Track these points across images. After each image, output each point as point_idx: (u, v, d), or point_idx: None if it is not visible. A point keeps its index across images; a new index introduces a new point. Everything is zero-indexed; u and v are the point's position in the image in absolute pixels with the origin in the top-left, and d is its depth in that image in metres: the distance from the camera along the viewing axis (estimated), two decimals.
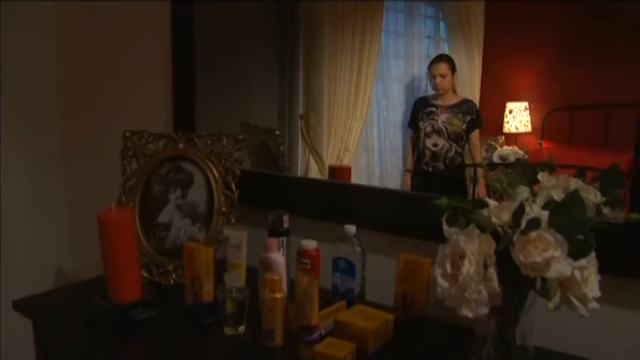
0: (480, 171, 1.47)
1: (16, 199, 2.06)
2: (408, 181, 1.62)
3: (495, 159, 1.41)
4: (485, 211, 0.94)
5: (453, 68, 1.50)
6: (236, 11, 1.74)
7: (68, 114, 2.16)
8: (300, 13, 1.71)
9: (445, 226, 0.97)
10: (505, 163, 1.39)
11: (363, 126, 1.67)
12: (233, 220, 1.48)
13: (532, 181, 1.02)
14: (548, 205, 0.93)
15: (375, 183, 1.71)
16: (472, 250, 0.89)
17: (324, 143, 1.70)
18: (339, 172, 1.70)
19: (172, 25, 1.75)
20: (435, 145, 1.53)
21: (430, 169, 1.54)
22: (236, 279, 1.24)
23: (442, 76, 1.51)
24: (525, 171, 1.03)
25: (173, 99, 1.77)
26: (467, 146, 1.51)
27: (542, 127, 1.34)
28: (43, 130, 2.13)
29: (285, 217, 1.37)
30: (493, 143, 1.43)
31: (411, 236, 1.31)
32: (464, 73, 1.48)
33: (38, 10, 2.07)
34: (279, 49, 1.76)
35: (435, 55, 1.57)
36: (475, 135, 1.50)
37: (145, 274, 1.51)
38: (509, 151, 1.40)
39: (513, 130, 1.39)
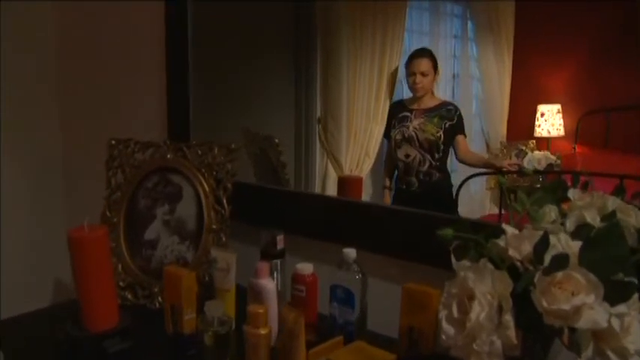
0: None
1: (15, 201, 1.99)
2: (387, 200, 1.44)
3: (526, 164, 1.29)
4: (501, 241, 0.77)
5: (435, 66, 1.33)
6: (240, 12, 1.63)
7: (67, 116, 2.09)
8: (316, 13, 1.59)
9: (453, 260, 0.81)
10: (518, 172, 1.26)
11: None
12: (224, 239, 1.34)
13: (561, 200, 0.86)
14: (580, 231, 0.76)
15: None
16: (483, 290, 0.73)
17: (342, 149, 1.57)
18: (349, 183, 1.56)
19: (166, 26, 1.63)
20: (407, 156, 1.33)
21: (404, 186, 1.34)
22: (219, 308, 1.09)
23: (423, 74, 1.34)
24: (553, 187, 0.87)
25: (167, 104, 1.65)
26: (448, 156, 1.33)
27: (576, 131, 1.23)
28: (42, 132, 2.07)
29: (280, 238, 1.23)
30: (524, 148, 1.32)
31: (422, 262, 1.15)
32: (493, 75, 1.36)
33: (38, 10, 2.01)
34: (294, 51, 1.65)
35: (414, 50, 1.39)
36: (460, 141, 1.31)
37: (129, 296, 1.39)
38: (541, 155, 1.28)
39: (545, 134, 1.27)
